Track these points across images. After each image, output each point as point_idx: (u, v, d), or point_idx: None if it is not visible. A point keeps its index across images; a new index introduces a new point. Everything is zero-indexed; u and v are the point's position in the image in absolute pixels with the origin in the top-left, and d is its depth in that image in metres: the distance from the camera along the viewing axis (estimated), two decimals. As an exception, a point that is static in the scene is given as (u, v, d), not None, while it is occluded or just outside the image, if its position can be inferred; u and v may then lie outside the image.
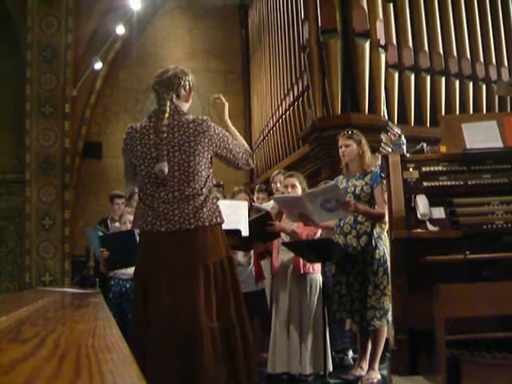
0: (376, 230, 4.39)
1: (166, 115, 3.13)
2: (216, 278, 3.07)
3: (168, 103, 3.16)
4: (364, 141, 4.54)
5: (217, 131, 3.23)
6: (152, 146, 3.09)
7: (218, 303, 3.05)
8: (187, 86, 3.27)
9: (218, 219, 3.15)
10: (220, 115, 3.57)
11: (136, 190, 3.46)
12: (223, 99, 3.60)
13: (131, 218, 5.16)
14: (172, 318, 2.95)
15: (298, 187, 4.74)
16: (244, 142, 3.51)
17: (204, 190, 3.12)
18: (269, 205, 5.53)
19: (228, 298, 3.10)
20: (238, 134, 3.50)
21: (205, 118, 3.21)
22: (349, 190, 4.43)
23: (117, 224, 5.59)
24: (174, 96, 3.21)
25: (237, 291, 3.19)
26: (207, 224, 3.07)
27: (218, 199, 3.26)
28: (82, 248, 10.21)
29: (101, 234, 5.36)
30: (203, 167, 3.14)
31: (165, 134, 3.09)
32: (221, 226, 3.18)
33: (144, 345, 2.96)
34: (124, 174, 3.37)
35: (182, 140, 3.10)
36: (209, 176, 3.19)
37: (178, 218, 3.04)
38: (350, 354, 5.27)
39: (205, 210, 3.08)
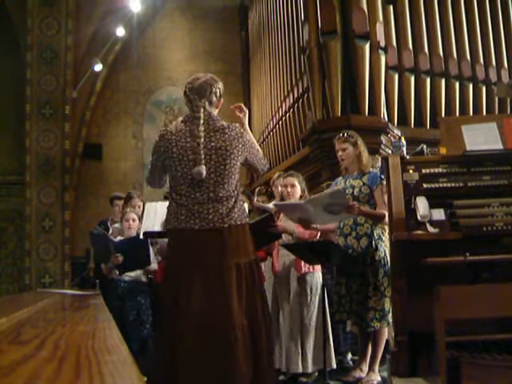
0: (376, 232, 4.39)
1: (202, 121, 3.26)
2: (246, 278, 3.18)
3: (202, 110, 3.30)
4: (360, 141, 4.53)
5: (248, 137, 3.42)
6: (189, 149, 3.22)
7: (247, 302, 3.15)
8: (218, 93, 3.41)
9: (247, 219, 3.34)
10: (241, 122, 3.66)
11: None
12: (244, 107, 3.73)
13: (134, 216, 5.17)
14: (206, 315, 3.05)
15: (297, 186, 4.75)
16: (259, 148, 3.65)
17: (235, 193, 3.29)
18: (269, 206, 5.53)
19: (255, 297, 3.22)
20: (254, 140, 3.60)
21: (237, 124, 3.40)
22: (347, 191, 4.43)
23: (117, 225, 5.58)
24: (207, 103, 3.34)
25: (262, 292, 3.36)
26: (238, 223, 3.23)
27: (244, 202, 3.43)
28: (82, 249, 10.23)
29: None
30: (236, 171, 3.31)
31: (202, 139, 3.22)
32: (250, 226, 3.35)
33: (173, 342, 3.04)
34: (149, 175, 3.51)
35: (219, 144, 3.25)
36: (238, 180, 3.36)
37: (212, 217, 3.18)
38: (349, 356, 5.27)
39: (236, 210, 3.25)
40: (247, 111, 3.76)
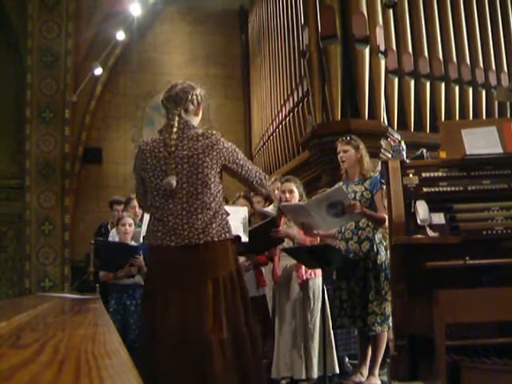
0: (377, 236, 4.40)
1: (175, 129, 3.17)
2: (225, 290, 3.10)
3: (176, 118, 3.21)
4: (362, 146, 4.55)
5: (226, 145, 3.25)
6: (161, 159, 3.14)
7: (227, 314, 3.07)
8: (195, 101, 3.31)
9: (227, 235, 3.17)
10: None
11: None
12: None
13: (131, 220, 5.16)
14: (181, 331, 2.99)
15: (295, 192, 4.74)
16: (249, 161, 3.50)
17: (213, 205, 3.15)
18: (268, 209, 5.53)
19: (237, 308, 3.14)
20: (238, 150, 3.42)
21: (214, 132, 3.25)
22: (349, 196, 4.43)
23: (113, 231, 5.57)
24: (183, 111, 3.25)
25: (245, 301, 3.23)
26: (216, 239, 3.11)
27: (228, 214, 3.27)
28: (81, 253, 10.21)
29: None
30: (212, 180, 3.17)
31: (173, 148, 3.13)
32: (230, 241, 3.21)
33: (152, 356, 2.99)
34: (136, 192, 3.48)
35: (191, 152, 3.13)
36: (219, 191, 3.22)
37: (188, 233, 3.08)
38: (346, 359, 5.26)
39: (214, 225, 3.12)
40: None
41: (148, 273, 3.31)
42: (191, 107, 3.29)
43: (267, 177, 3.55)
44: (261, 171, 3.48)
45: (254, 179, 3.40)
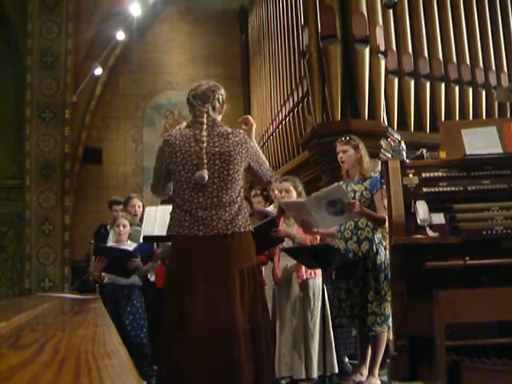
0: (377, 236, 4.40)
1: (204, 126, 3.30)
2: (249, 283, 3.21)
3: (205, 115, 3.33)
4: (362, 146, 4.55)
5: (252, 144, 3.47)
6: (193, 154, 3.25)
7: (249, 306, 3.19)
8: (221, 99, 3.45)
9: (250, 227, 3.34)
10: (248, 134, 3.68)
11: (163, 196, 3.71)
12: (251, 120, 3.80)
13: (126, 222, 5.15)
14: (210, 319, 3.08)
15: (292, 191, 4.74)
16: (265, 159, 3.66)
17: (238, 199, 3.32)
18: (268, 209, 5.53)
19: (257, 302, 3.26)
20: (259, 149, 3.62)
21: (241, 131, 3.44)
22: (349, 195, 4.42)
23: (111, 234, 5.56)
24: (210, 108, 3.38)
25: (263, 296, 3.40)
26: (242, 230, 3.25)
27: (248, 209, 3.44)
28: (81, 253, 10.23)
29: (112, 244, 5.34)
30: (240, 176, 3.34)
31: (205, 144, 3.25)
32: (252, 234, 3.36)
33: (177, 345, 3.07)
34: (153, 183, 3.52)
35: (223, 149, 3.28)
36: (241, 186, 3.38)
37: (216, 224, 3.20)
38: (346, 359, 5.25)
39: (240, 217, 3.27)
40: (254, 125, 3.78)
41: (172, 262, 3.36)
42: (217, 105, 3.43)
43: (273, 173, 3.73)
44: (269, 168, 3.63)
45: (266, 177, 3.57)
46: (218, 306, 3.09)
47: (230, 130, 3.38)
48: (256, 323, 3.19)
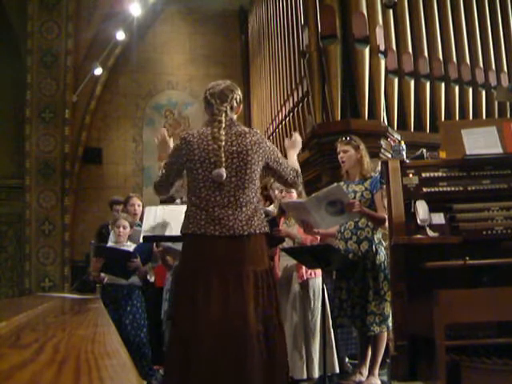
0: (377, 236, 4.39)
1: (223, 125, 3.29)
2: (263, 286, 3.21)
3: (224, 114, 3.33)
4: (362, 146, 4.55)
5: (269, 144, 3.46)
6: (211, 152, 3.25)
7: (263, 309, 3.18)
8: (238, 99, 3.45)
9: (266, 228, 3.31)
10: (292, 150, 3.85)
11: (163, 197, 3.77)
12: (299, 138, 3.93)
13: (125, 223, 5.14)
14: (223, 321, 3.07)
15: (292, 191, 4.74)
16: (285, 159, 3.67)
17: (255, 200, 3.31)
18: (268, 209, 5.53)
19: (271, 304, 3.24)
20: (277, 150, 3.62)
21: (258, 131, 3.44)
22: (349, 195, 4.42)
23: (111, 234, 5.55)
24: (228, 107, 3.38)
25: (277, 300, 3.35)
26: (258, 232, 3.24)
27: (264, 210, 3.42)
28: (81, 253, 10.22)
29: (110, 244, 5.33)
30: (257, 176, 3.34)
31: (223, 142, 3.25)
32: (267, 236, 3.35)
33: (188, 345, 3.06)
34: (160, 179, 3.49)
35: (240, 148, 3.28)
36: (258, 187, 3.39)
37: (233, 224, 3.19)
38: (346, 359, 5.25)
39: (256, 218, 3.26)
40: (300, 145, 3.92)
41: (186, 261, 3.32)
42: (235, 105, 3.43)
43: (299, 172, 3.65)
44: (294, 168, 3.62)
45: (289, 176, 3.55)
46: (232, 306, 3.09)
47: (247, 129, 3.39)
48: (270, 327, 3.18)
